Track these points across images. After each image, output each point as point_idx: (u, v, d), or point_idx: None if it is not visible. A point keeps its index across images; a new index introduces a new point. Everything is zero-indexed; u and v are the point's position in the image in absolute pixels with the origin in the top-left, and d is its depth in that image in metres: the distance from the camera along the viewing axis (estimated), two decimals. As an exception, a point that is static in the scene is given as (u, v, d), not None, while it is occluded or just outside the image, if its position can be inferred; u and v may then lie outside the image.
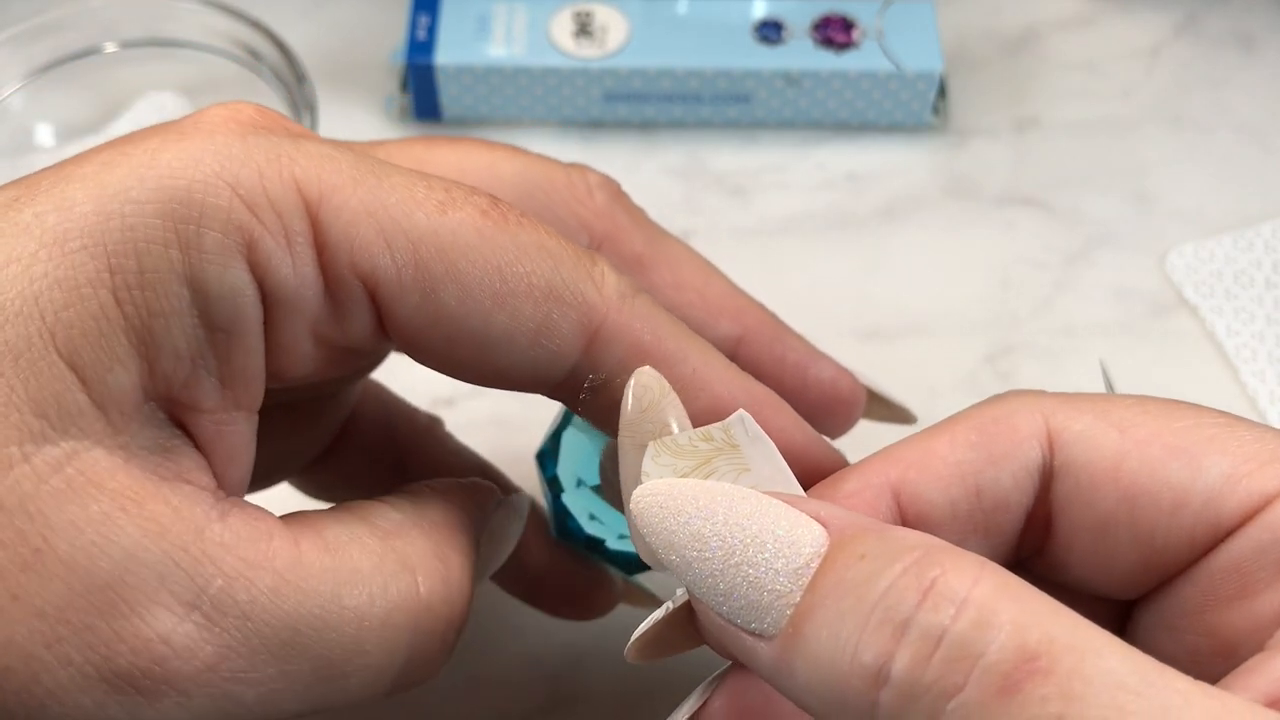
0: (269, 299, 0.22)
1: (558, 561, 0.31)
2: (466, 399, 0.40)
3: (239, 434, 0.23)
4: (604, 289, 0.23)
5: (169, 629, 0.20)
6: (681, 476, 0.22)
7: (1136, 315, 0.43)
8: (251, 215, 0.21)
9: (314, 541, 0.22)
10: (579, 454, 0.29)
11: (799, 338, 0.29)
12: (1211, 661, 0.21)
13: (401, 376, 0.33)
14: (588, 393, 0.24)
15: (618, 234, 0.28)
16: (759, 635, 0.20)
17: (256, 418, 0.23)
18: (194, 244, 0.21)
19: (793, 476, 0.23)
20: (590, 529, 0.29)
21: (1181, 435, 0.22)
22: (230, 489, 0.23)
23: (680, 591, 0.23)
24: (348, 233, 0.22)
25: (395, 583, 0.23)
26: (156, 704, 0.20)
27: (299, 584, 0.21)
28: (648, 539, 0.21)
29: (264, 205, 0.21)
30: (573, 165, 0.28)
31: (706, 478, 0.22)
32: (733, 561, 0.20)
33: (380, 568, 0.23)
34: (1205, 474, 0.21)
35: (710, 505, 0.21)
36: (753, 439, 0.22)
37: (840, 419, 0.30)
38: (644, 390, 0.23)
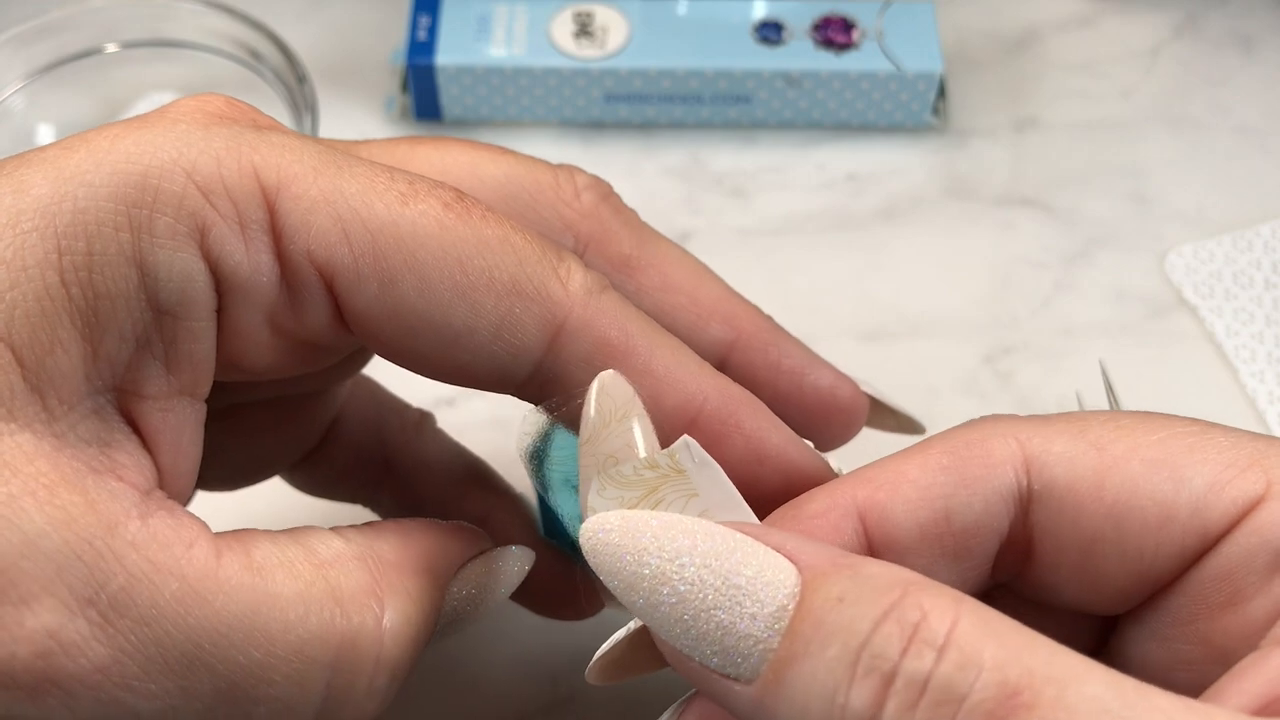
0: (222, 285, 0.22)
1: (546, 562, 0.30)
2: (467, 399, 0.40)
3: (184, 421, 0.22)
4: (569, 284, 0.23)
5: (58, 623, 0.19)
6: (629, 508, 0.21)
7: (1136, 316, 0.43)
8: (205, 201, 0.21)
9: (238, 557, 0.21)
10: (566, 455, 0.29)
11: (796, 343, 0.29)
12: (1205, 668, 0.21)
13: (401, 374, 0.33)
14: (551, 413, 0.24)
15: (604, 235, 0.27)
16: (735, 680, 0.19)
17: (204, 407, 0.23)
18: (145, 227, 0.21)
19: (743, 501, 0.22)
20: (575, 530, 0.29)
21: (1159, 448, 0.21)
22: (177, 481, 0.23)
23: None
24: (305, 221, 0.22)
25: (317, 613, 0.21)
26: (38, 701, 0.19)
27: (208, 597, 0.20)
28: (605, 580, 0.20)
29: (219, 192, 0.21)
30: (561, 166, 0.28)
31: (654, 507, 0.21)
32: (704, 606, 0.19)
33: (303, 595, 0.21)
34: (1189, 484, 0.21)
35: (672, 543, 0.20)
36: (699, 464, 0.22)
37: (839, 428, 0.29)
38: (600, 412, 0.22)
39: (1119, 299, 0.43)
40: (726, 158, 0.47)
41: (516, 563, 0.26)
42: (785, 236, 0.45)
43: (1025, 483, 0.22)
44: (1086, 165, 0.47)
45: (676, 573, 0.20)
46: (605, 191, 0.28)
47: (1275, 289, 0.43)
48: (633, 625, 0.22)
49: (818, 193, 0.46)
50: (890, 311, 0.43)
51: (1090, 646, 0.20)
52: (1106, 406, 0.39)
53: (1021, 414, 0.24)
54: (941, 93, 0.47)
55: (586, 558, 0.21)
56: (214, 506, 0.26)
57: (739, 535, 0.20)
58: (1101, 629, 0.24)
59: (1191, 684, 0.18)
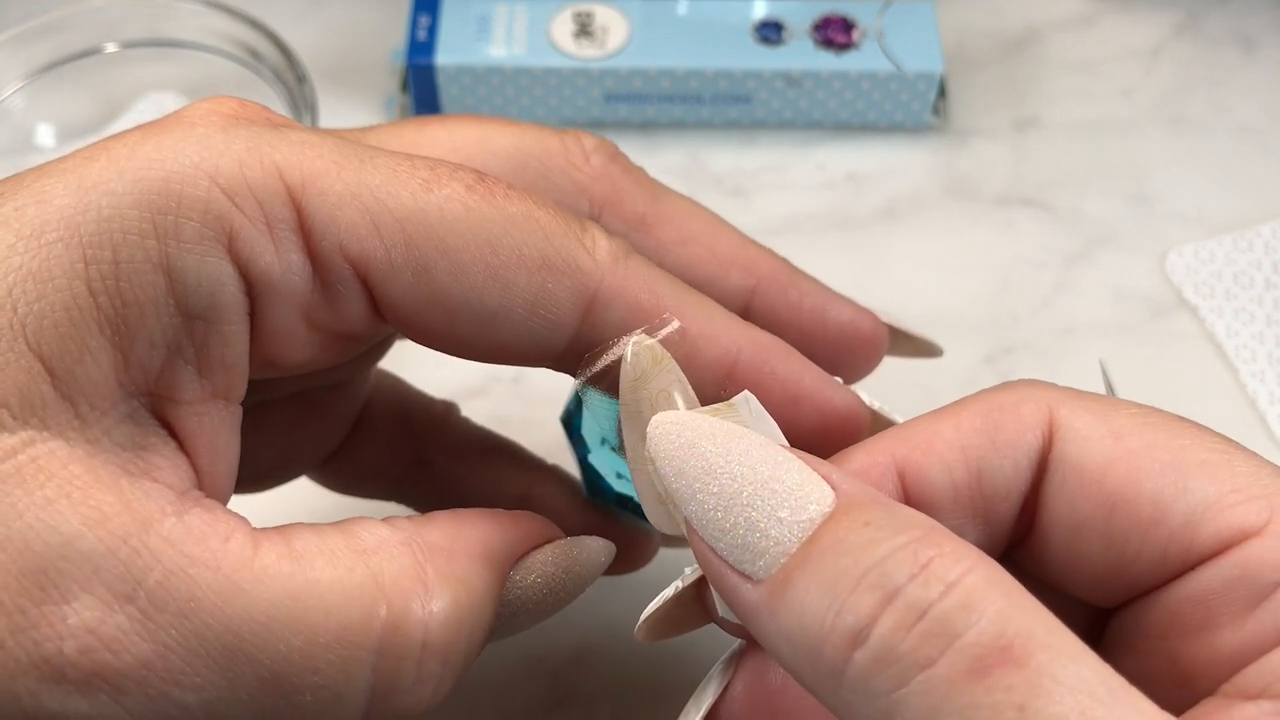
0: (254, 287, 0.22)
1: (592, 522, 0.30)
2: (467, 399, 0.40)
3: (220, 425, 0.22)
4: (596, 254, 0.24)
5: (97, 620, 0.20)
6: None
7: (1136, 316, 0.43)
8: (231, 204, 0.21)
9: (277, 548, 0.21)
10: (601, 414, 0.29)
11: (814, 281, 0.29)
12: (1166, 689, 0.21)
13: (410, 370, 0.33)
14: (587, 374, 0.24)
15: (618, 196, 0.28)
16: (747, 577, 0.20)
17: (239, 409, 0.23)
18: (171, 233, 0.21)
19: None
20: (619, 487, 0.29)
21: (1177, 453, 0.21)
22: (216, 482, 0.23)
23: (688, 570, 0.23)
24: (333, 216, 0.22)
25: (357, 599, 0.21)
26: (89, 697, 0.20)
27: (245, 587, 0.20)
28: (658, 464, 0.21)
29: (244, 194, 0.21)
30: (567, 131, 0.28)
31: None
32: (739, 500, 0.20)
33: (343, 582, 0.21)
34: (1189, 496, 0.21)
35: (726, 442, 0.21)
36: (756, 418, 0.22)
37: (863, 359, 0.29)
38: (636, 359, 0.23)
39: (1119, 299, 0.43)
40: (726, 158, 0.47)
41: (593, 553, 0.26)
42: (785, 236, 0.45)
43: (1045, 449, 0.23)
44: (1087, 165, 0.47)
45: (723, 467, 0.21)
46: (613, 152, 0.28)
47: (1276, 289, 0.43)
48: (678, 584, 0.23)
49: (818, 193, 0.46)
50: (890, 311, 0.43)
51: None
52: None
53: None
54: (942, 93, 0.47)
55: (649, 444, 0.22)
56: (250, 511, 0.26)
57: (789, 453, 0.21)
58: (1094, 627, 0.24)
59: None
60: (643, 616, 0.23)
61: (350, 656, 0.21)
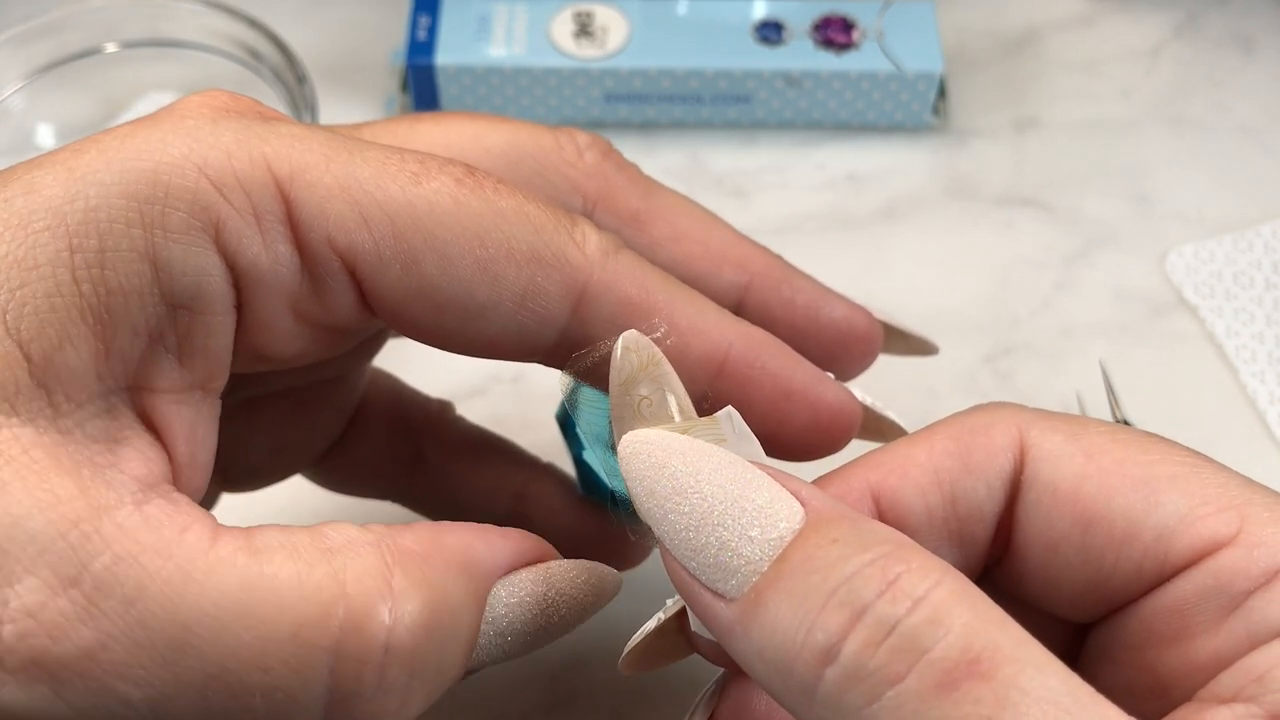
0: (242, 279, 0.22)
1: (587, 518, 0.31)
2: (466, 399, 0.40)
3: (198, 415, 0.22)
4: (586, 248, 0.23)
5: (39, 604, 0.19)
6: None
7: (1136, 316, 0.43)
8: (219, 195, 0.21)
9: (235, 541, 0.20)
10: (596, 411, 0.29)
11: (808, 279, 0.29)
12: (1145, 699, 0.21)
13: (407, 370, 0.33)
14: (577, 371, 0.24)
15: (611, 192, 0.28)
16: (720, 595, 0.20)
17: (218, 401, 0.23)
18: (158, 223, 0.21)
19: (769, 466, 0.23)
20: (613, 484, 0.29)
21: (1146, 469, 0.22)
22: (193, 474, 0.22)
23: (670, 602, 0.23)
24: (322, 209, 0.22)
25: (315, 594, 0.20)
26: (27, 689, 0.19)
27: (198, 579, 0.20)
28: (629, 484, 0.21)
29: (232, 185, 0.21)
30: (560, 128, 0.28)
31: None
32: (710, 520, 0.20)
33: (301, 578, 0.20)
34: (1160, 510, 0.21)
35: (696, 461, 0.21)
36: (739, 435, 0.22)
37: (857, 357, 0.29)
38: (626, 359, 0.23)
39: (1119, 299, 0.43)
40: (726, 158, 0.47)
41: (593, 576, 0.24)
42: (785, 236, 0.45)
43: (1018, 471, 0.23)
44: (1086, 165, 0.47)
45: (693, 487, 0.21)
46: (606, 148, 0.28)
47: (1276, 289, 0.43)
48: (660, 616, 0.23)
49: (818, 193, 0.46)
50: (890, 311, 0.43)
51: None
52: (1107, 407, 0.39)
53: None
54: (941, 93, 0.46)
55: (620, 464, 0.22)
56: (245, 512, 0.26)
57: (759, 471, 0.21)
58: (1072, 642, 0.24)
59: (1131, 714, 0.18)
60: (626, 649, 0.23)
61: (304, 656, 0.20)
